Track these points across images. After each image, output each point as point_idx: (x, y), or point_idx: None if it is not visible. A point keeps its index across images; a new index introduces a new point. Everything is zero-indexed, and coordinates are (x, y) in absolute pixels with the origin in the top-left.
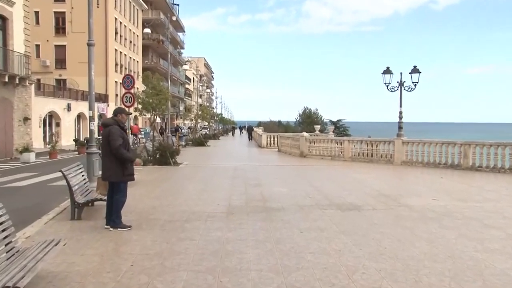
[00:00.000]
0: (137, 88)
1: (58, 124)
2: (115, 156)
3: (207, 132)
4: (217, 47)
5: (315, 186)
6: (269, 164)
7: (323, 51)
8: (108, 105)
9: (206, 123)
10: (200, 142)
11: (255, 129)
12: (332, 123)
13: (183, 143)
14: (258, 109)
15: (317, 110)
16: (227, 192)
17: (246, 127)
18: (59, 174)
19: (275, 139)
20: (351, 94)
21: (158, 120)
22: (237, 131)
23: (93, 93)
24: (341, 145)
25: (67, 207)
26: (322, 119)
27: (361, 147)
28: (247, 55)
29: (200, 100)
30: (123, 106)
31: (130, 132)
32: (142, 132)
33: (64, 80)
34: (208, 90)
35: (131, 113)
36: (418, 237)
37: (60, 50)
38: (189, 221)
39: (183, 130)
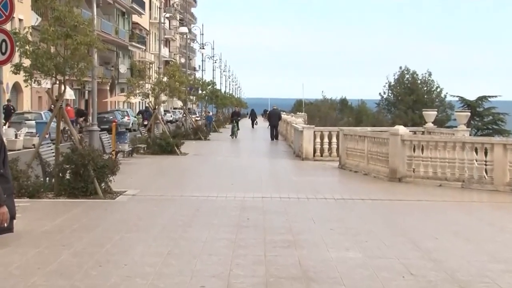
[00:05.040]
0: (20, 20)
1: None
2: None
3: (182, 123)
4: None
5: (425, 249)
6: (318, 197)
7: None
8: None
9: (180, 104)
10: (165, 145)
11: (285, 117)
12: (466, 104)
13: (127, 147)
14: (294, 77)
15: (430, 76)
16: (224, 261)
17: (267, 111)
18: None
19: (333, 140)
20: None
21: (70, 93)
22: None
23: None
24: (485, 155)
25: None
26: (443, 95)
27: None
28: None
29: (165, 51)
30: None
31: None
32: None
33: None
34: (185, 30)
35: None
36: None
37: None
38: None
39: (122, 119)
